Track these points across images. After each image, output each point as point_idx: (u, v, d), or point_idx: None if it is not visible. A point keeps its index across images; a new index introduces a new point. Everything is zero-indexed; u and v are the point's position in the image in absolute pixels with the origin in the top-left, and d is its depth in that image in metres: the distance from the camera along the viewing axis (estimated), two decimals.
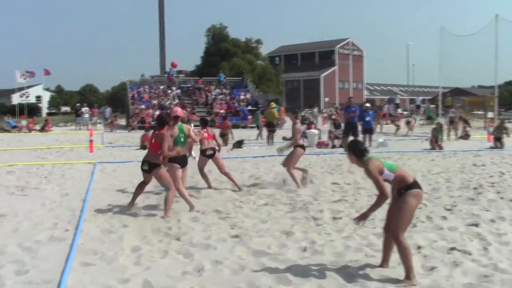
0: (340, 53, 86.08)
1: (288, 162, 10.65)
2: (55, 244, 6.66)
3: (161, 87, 43.57)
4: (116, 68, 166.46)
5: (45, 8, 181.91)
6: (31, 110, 54.65)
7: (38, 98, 74.85)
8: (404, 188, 5.14)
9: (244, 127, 36.98)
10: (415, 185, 5.17)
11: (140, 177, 8.84)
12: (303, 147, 10.91)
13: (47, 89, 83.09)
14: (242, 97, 42.85)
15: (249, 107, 40.64)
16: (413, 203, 5.13)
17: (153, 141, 8.16)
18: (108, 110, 40.68)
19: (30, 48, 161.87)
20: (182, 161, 8.85)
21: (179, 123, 9.14)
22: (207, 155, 10.36)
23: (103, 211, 8.53)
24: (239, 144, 20.24)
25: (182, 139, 9.00)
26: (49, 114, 66.49)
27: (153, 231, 7.25)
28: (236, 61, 62.68)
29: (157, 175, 8.13)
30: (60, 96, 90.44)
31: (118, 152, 19.10)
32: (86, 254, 6.19)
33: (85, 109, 40.25)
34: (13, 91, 60.25)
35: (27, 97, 55.42)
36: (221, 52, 66.54)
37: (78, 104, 44.24)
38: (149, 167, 8.11)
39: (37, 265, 5.75)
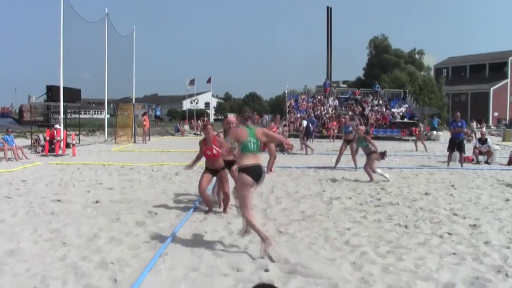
0: None
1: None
2: None
3: (319, 97, 44.59)
4: (282, 77, 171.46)
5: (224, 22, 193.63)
6: (199, 116, 59.20)
7: (207, 104, 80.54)
8: None
9: (399, 139, 36.50)
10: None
11: None
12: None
13: (216, 96, 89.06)
14: (398, 109, 42.16)
15: (405, 120, 39.96)
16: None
17: None
18: (265, 118, 42.63)
19: (205, 57, 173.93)
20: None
21: None
22: None
23: None
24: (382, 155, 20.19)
25: None
26: (216, 120, 71.22)
27: None
28: (396, 73, 61.51)
29: None
30: (227, 103, 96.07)
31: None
32: None
33: None
34: (184, 97, 65.65)
35: (197, 103, 60.16)
36: (383, 63, 65.83)
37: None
38: None
39: None
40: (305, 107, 42.21)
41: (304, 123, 26.50)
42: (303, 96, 45.01)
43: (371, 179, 13.06)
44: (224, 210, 8.98)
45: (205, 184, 8.87)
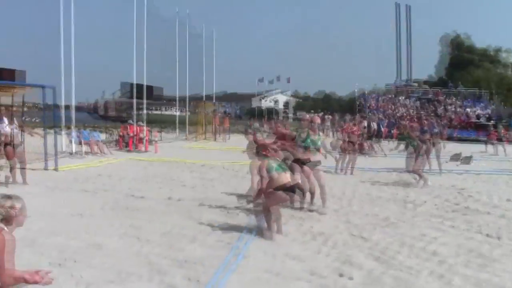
0: None
1: None
2: None
3: (390, 96, 43.62)
4: (356, 76, 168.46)
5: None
6: (273, 115, 59.13)
7: (283, 104, 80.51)
8: None
9: (478, 141, 34.91)
10: None
11: None
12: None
13: (292, 95, 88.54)
14: (478, 110, 40.40)
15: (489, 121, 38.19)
16: None
17: None
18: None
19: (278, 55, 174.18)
20: None
21: None
22: None
23: None
24: (467, 159, 19.20)
25: None
26: (295, 119, 70.67)
27: None
28: (477, 72, 58.94)
29: None
30: (305, 102, 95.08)
31: None
32: None
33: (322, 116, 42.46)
34: (258, 95, 66.13)
35: (275, 102, 60.43)
36: (461, 62, 63.34)
37: (312, 112, 46.92)
38: None
39: None
40: (376, 107, 41.40)
41: (366, 123, 25.71)
42: (375, 95, 44.18)
43: (421, 177, 12.59)
44: (311, 201, 9.16)
45: None
